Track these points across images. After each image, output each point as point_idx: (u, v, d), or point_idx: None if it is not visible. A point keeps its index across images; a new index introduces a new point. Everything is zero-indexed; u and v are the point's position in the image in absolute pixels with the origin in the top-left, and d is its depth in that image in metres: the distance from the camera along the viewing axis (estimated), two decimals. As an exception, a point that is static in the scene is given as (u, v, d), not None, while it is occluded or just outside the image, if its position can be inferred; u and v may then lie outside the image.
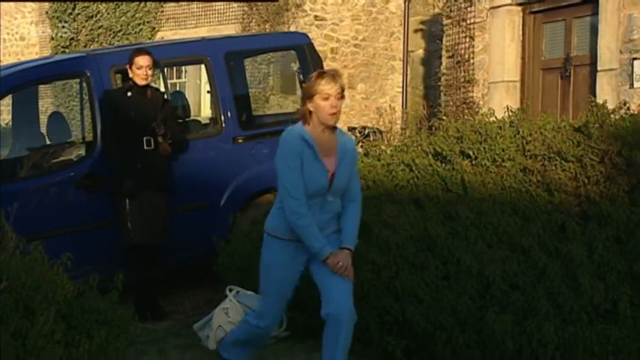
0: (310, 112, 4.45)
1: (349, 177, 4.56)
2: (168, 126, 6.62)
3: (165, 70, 7.79)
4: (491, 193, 5.65)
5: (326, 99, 4.40)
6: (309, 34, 8.95)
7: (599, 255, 4.98)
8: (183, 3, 16.71)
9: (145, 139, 6.50)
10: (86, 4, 17.60)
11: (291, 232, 4.51)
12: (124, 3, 17.23)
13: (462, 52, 9.82)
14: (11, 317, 3.76)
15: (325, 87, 4.39)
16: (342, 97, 4.47)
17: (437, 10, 12.39)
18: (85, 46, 17.17)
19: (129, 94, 6.56)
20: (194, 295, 7.19)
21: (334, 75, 4.47)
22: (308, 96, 4.46)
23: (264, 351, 5.61)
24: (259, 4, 15.10)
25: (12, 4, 19.36)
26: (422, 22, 14.15)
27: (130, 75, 6.57)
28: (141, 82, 6.53)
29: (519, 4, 9.22)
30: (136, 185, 6.44)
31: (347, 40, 15.20)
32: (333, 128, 4.52)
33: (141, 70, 6.50)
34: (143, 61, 6.52)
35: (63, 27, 18.01)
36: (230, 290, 5.87)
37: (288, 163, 4.43)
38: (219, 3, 15.91)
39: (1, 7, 19.15)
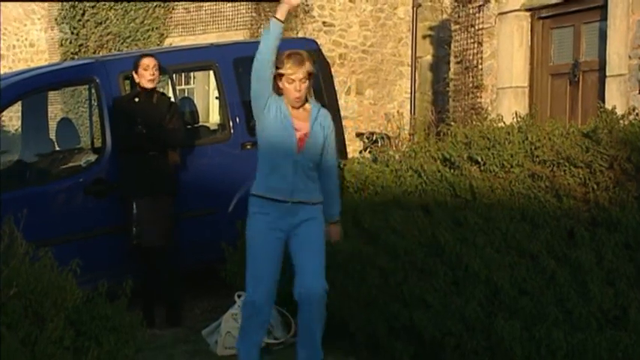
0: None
1: (322, 144, 4.74)
2: (176, 129, 6.63)
3: (174, 76, 7.81)
4: (499, 199, 5.64)
5: (291, 83, 4.64)
6: (318, 40, 8.97)
7: (609, 261, 4.96)
8: (191, 10, 16.74)
9: (149, 142, 6.51)
10: (95, 10, 17.65)
11: (269, 190, 4.69)
12: (133, 10, 17.27)
13: (471, 57, 9.82)
14: (20, 323, 3.77)
15: (289, 71, 4.62)
16: (309, 79, 4.70)
17: (445, 16, 12.38)
18: (93, 53, 17.22)
19: (136, 99, 6.58)
20: (202, 301, 7.19)
21: (301, 59, 4.66)
22: (278, 75, 4.67)
23: (271, 356, 5.61)
24: (268, 10, 15.11)
25: (21, 10, 19.43)
26: (430, 28, 14.14)
27: (137, 80, 6.57)
28: (148, 84, 6.53)
29: (528, 10, 9.21)
30: (143, 189, 6.46)
31: (355, 46, 15.20)
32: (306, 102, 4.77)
33: (147, 71, 6.50)
34: (149, 60, 6.53)
35: (72, 33, 18.07)
36: (239, 296, 5.87)
37: None
38: (227, 10, 15.94)
39: (10, 13, 19.23)
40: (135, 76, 6.57)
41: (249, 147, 7.29)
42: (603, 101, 7.45)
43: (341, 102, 8.93)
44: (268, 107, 4.68)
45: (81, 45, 17.89)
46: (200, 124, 8.36)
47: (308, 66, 4.66)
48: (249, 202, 4.84)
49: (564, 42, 9.01)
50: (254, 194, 4.79)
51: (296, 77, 4.62)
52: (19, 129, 8.87)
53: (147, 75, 6.51)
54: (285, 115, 4.67)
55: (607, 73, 8.04)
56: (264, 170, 4.74)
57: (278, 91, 4.72)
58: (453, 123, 7.56)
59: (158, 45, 16.76)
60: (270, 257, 4.73)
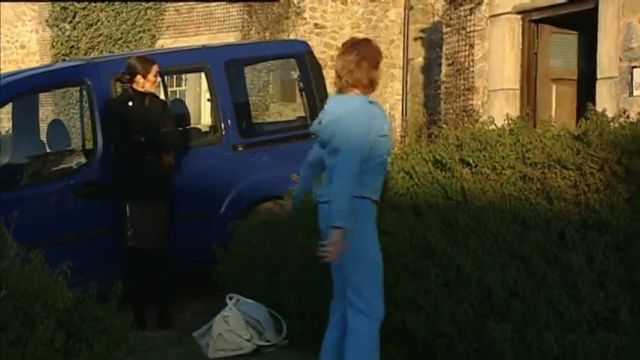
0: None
1: None
2: (170, 132, 6.63)
3: (166, 78, 7.80)
4: (490, 201, 5.65)
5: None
6: (309, 42, 8.96)
7: (599, 263, 4.98)
8: (183, 11, 16.73)
9: (146, 147, 6.50)
10: (86, 12, 17.62)
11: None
12: (124, 11, 17.26)
13: (462, 59, 9.83)
14: (11, 325, 3.76)
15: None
16: None
17: (436, 19, 12.40)
18: (85, 54, 17.18)
19: (130, 103, 6.57)
20: (194, 303, 7.18)
21: None
22: (377, 64, 4.58)
23: (263, 359, 5.61)
24: (259, 12, 15.12)
25: (11, 12, 19.39)
26: (422, 30, 14.15)
27: (141, 82, 6.51)
28: (153, 89, 6.57)
29: (519, 13, 9.23)
30: (140, 193, 6.44)
31: (347, 48, 15.19)
32: None
33: (157, 78, 6.57)
34: (157, 66, 6.58)
35: (63, 35, 18.03)
36: (230, 298, 5.87)
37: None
38: (219, 11, 15.94)
39: (1, 15, 19.19)
40: (141, 80, 6.49)
41: (240, 149, 7.30)
42: (594, 104, 7.46)
43: (332, 104, 8.91)
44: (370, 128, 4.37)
45: (72, 47, 17.86)
46: (192, 126, 8.35)
47: None
48: (364, 207, 4.32)
49: (568, 46, 9.01)
50: (373, 199, 4.41)
51: None
52: (10, 131, 8.84)
53: (155, 81, 6.56)
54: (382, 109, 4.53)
55: (598, 76, 8.06)
56: (376, 173, 4.44)
57: (373, 86, 4.52)
58: (444, 125, 7.55)
59: (150, 47, 16.74)
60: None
